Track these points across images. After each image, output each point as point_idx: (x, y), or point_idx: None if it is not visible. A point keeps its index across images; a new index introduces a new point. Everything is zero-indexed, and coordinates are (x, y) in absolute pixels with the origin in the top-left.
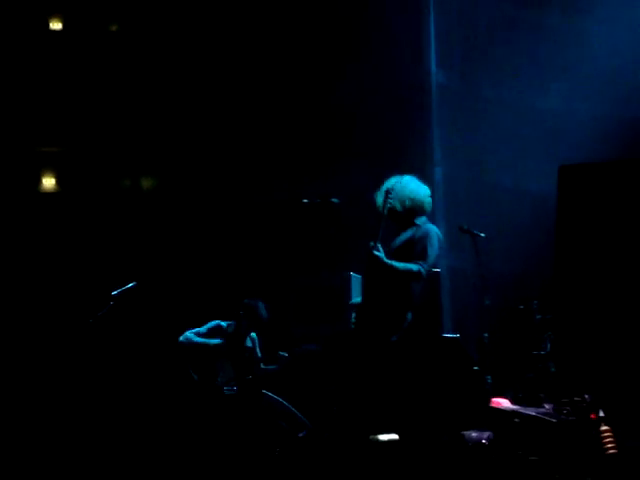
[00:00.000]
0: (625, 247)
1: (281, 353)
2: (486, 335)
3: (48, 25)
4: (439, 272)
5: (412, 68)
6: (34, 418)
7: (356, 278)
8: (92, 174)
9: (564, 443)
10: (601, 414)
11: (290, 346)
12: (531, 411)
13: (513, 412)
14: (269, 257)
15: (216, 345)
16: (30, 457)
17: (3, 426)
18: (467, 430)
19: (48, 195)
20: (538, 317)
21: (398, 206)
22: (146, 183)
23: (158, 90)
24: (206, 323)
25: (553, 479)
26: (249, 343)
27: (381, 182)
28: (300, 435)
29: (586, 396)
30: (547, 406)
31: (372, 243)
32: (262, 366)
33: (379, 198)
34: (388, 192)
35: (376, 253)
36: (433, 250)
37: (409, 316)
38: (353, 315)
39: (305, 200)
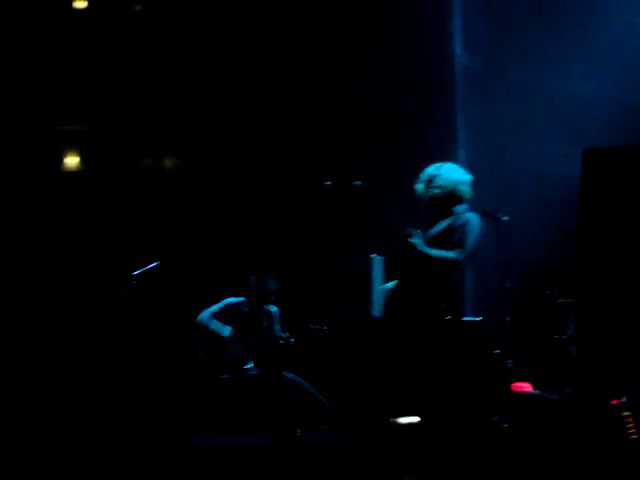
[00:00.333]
0: None
1: (285, 335)
2: (508, 319)
3: (72, 3)
4: None
5: (437, 51)
6: (53, 395)
7: (378, 260)
8: (115, 153)
9: (585, 428)
10: (623, 399)
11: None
12: (552, 396)
13: (534, 397)
14: (291, 239)
15: (226, 336)
16: (48, 430)
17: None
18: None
19: (71, 174)
20: (560, 301)
21: (439, 193)
22: (169, 162)
23: (182, 69)
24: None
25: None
26: (265, 323)
27: (404, 165)
28: (322, 416)
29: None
30: (568, 391)
31: (409, 230)
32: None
33: (419, 185)
34: (430, 180)
35: (411, 240)
36: (472, 239)
37: (443, 306)
38: (383, 300)
39: (328, 182)
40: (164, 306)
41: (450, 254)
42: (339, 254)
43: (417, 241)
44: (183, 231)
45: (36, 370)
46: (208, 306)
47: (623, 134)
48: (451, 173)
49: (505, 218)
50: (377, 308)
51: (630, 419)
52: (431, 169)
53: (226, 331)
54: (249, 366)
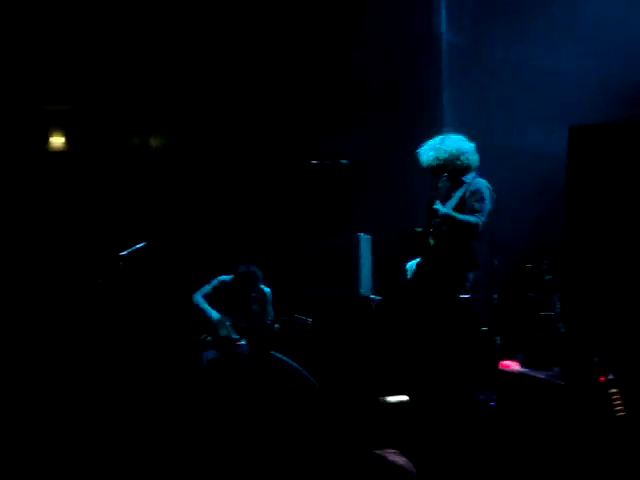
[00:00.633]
0: (636, 208)
1: (268, 321)
2: (495, 296)
3: None
4: None
5: (422, 28)
6: (42, 381)
7: (365, 239)
8: (101, 133)
9: (572, 405)
10: (610, 377)
11: (288, 312)
12: (540, 374)
13: (522, 375)
14: (278, 218)
15: (216, 319)
16: (38, 424)
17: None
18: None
19: (57, 154)
20: (548, 277)
21: (448, 163)
22: (155, 142)
23: (168, 48)
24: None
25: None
26: (256, 308)
27: (391, 143)
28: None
29: (595, 359)
30: (555, 369)
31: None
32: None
33: (424, 156)
34: (435, 151)
35: (435, 206)
36: (486, 204)
37: (471, 276)
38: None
39: (314, 161)
40: (151, 286)
41: (472, 218)
42: (326, 233)
43: (440, 206)
44: (169, 211)
45: (23, 351)
46: (200, 286)
47: (608, 110)
48: (454, 143)
49: (494, 195)
50: (365, 286)
51: (617, 396)
52: (435, 140)
53: (214, 315)
54: (242, 343)
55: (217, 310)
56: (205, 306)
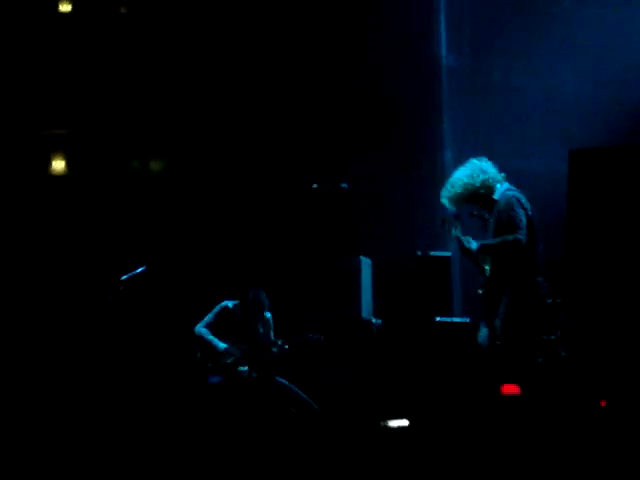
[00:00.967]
0: (636, 232)
1: (279, 342)
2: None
3: (57, 7)
4: (449, 256)
5: (422, 52)
6: (42, 399)
7: (366, 262)
8: (102, 157)
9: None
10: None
11: (294, 334)
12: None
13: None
14: (278, 242)
15: (223, 349)
16: (36, 436)
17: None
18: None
19: (58, 178)
20: (548, 301)
21: (469, 197)
22: (155, 166)
23: (167, 72)
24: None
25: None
26: (261, 329)
27: (391, 166)
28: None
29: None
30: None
31: (465, 238)
32: (273, 350)
33: (448, 205)
34: (451, 188)
35: (467, 246)
36: (516, 214)
37: (541, 279)
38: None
39: (315, 185)
40: (152, 311)
41: (508, 237)
42: (327, 257)
43: (472, 244)
44: (170, 235)
45: (24, 376)
46: (200, 313)
47: (609, 134)
48: (460, 176)
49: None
50: (366, 310)
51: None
52: (445, 187)
53: (221, 346)
54: (244, 369)
55: (221, 337)
56: (210, 337)
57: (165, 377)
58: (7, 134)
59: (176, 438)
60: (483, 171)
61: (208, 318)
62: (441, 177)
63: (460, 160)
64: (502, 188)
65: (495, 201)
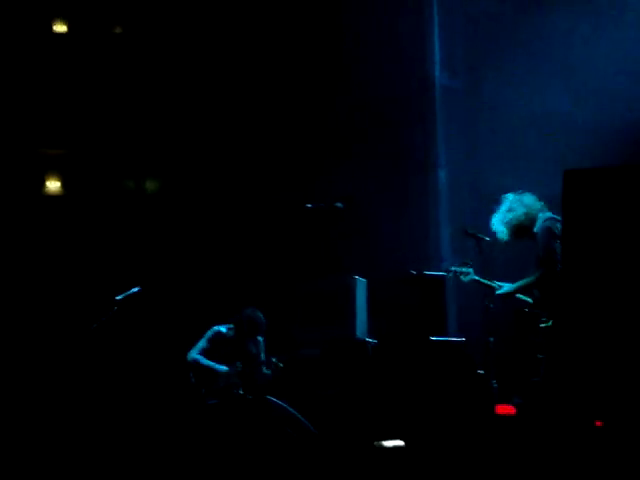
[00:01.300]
0: (632, 253)
1: (274, 360)
2: (492, 339)
3: (52, 28)
4: (444, 276)
5: (415, 71)
6: (35, 422)
7: (361, 282)
8: (97, 177)
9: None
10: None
11: (289, 351)
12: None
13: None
14: (273, 261)
15: (224, 372)
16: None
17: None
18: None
19: (53, 198)
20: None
21: (513, 230)
22: (150, 185)
23: (162, 92)
24: (205, 332)
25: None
26: (253, 349)
27: (385, 186)
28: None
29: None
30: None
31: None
32: (263, 370)
33: (502, 235)
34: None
35: (498, 292)
36: (550, 245)
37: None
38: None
39: (309, 205)
40: (146, 331)
41: (536, 274)
42: (322, 276)
43: (501, 290)
44: (164, 255)
45: (20, 396)
46: (196, 337)
47: (603, 154)
48: (503, 207)
49: (487, 238)
50: (361, 329)
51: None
52: (493, 220)
53: (222, 369)
54: (241, 392)
55: (215, 360)
56: (206, 362)
57: (158, 396)
58: (2, 154)
59: (170, 460)
60: (523, 204)
61: (201, 344)
62: (435, 196)
63: (455, 179)
64: (543, 217)
65: (536, 234)
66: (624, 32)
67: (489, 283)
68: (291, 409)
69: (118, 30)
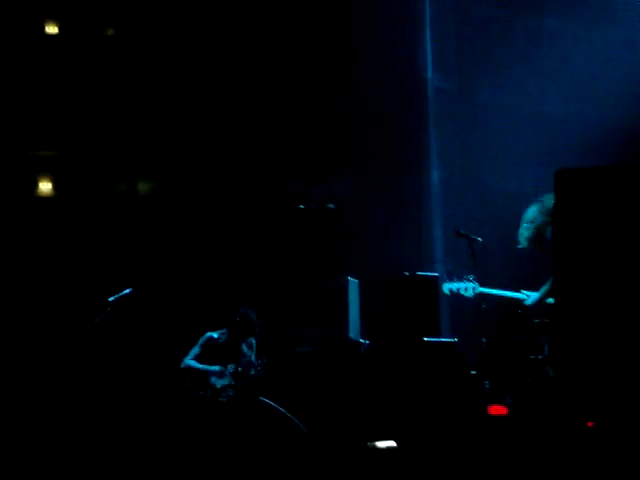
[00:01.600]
0: (624, 253)
1: (258, 360)
2: (484, 340)
3: (44, 29)
4: (437, 276)
5: (408, 73)
6: (29, 424)
7: (353, 283)
8: (88, 178)
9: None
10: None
11: (283, 350)
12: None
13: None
14: (266, 262)
15: (217, 371)
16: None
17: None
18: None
19: (45, 200)
20: (536, 321)
21: (534, 236)
22: (142, 187)
23: (154, 94)
24: (199, 338)
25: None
26: (247, 351)
27: (378, 187)
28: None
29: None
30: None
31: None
32: (252, 372)
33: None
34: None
35: (527, 303)
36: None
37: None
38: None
39: (301, 206)
40: (138, 333)
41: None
42: (315, 277)
43: (532, 297)
44: (157, 257)
45: (13, 398)
46: (189, 341)
47: (595, 154)
48: (526, 215)
49: (479, 239)
50: (354, 330)
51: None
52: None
53: (216, 368)
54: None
55: (208, 364)
56: (199, 366)
57: (152, 397)
58: None
59: (164, 460)
60: (542, 212)
61: (195, 351)
62: (428, 198)
63: (448, 180)
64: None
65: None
66: (615, 33)
67: (513, 295)
68: (283, 410)
69: (110, 32)
